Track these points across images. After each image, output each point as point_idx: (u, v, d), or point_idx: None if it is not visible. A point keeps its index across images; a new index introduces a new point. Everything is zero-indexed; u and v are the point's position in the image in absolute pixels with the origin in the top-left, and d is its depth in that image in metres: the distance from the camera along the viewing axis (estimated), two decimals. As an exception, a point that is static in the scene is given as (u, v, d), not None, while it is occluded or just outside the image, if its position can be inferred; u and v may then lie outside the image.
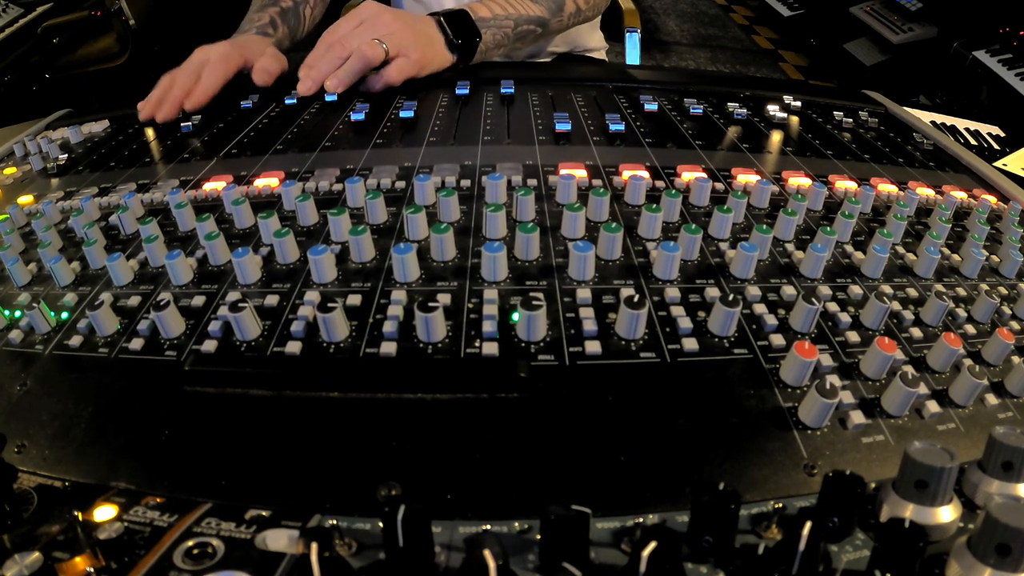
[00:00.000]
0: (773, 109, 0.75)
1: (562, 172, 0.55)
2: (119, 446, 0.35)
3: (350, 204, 0.53)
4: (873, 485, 0.30)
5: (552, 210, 0.52)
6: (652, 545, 0.23)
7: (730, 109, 0.76)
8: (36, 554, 0.25)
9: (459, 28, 0.83)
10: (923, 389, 0.37)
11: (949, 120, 1.12)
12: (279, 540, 0.28)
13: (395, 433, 0.34)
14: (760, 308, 0.42)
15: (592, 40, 1.22)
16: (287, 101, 0.78)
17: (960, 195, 0.60)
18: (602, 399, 0.36)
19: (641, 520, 0.29)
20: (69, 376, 0.39)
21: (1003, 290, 0.48)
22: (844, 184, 0.59)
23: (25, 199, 0.61)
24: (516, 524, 0.29)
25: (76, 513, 0.28)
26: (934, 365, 0.40)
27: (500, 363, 0.38)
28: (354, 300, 0.42)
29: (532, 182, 0.56)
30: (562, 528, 0.25)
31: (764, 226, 0.47)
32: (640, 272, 0.45)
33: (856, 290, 0.45)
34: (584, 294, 0.43)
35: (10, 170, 0.69)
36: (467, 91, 0.77)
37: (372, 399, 0.36)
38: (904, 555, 0.24)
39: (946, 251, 0.51)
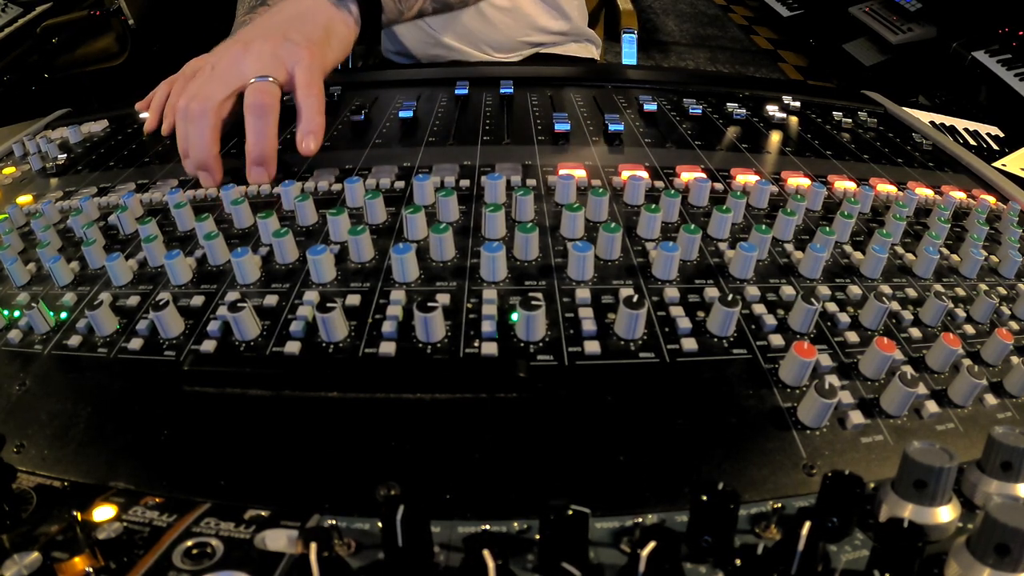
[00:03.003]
0: (772, 109, 0.75)
1: (561, 172, 0.55)
2: (118, 446, 0.35)
3: (349, 204, 0.53)
4: (872, 485, 0.30)
5: (551, 210, 0.52)
6: (651, 545, 0.24)
7: (729, 109, 0.76)
8: (35, 554, 0.25)
9: None
10: (922, 389, 0.37)
11: (948, 120, 1.12)
12: (278, 540, 0.28)
13: (394, 433, 0.34)
14: (759, 308, 0.42)
15: (576, 23, 1.18)
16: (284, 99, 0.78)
17: (959, 195, 0.60)
18: (601, 399, 0.36)
19: (640, 520, 0.29)
20: (68, 376, 0.39)
21: (1002, 290, 0.48)
22: (843, 184, 0.60)
23: (24, 199, 0.61)
24: (515, 524, 0.29)
25: (75, 513, 0.28)
26: (933, 365, 0.40)
27: (499, 363, 0.38)
28: (353, 300, 0.42)
29: (531, 182, 0.56)
30: (561, 528, 0.25)
31: (763, 226, 0.47)
32: (639, 272, 0.45)
33: (855, 290, 0.45)
34: (583, 294, 0.43)
35: (9, 170, 0.69)
36: (466, 91, 0.77)
37: (371, 399, 0.36)
38: (903, 555, 0.24)
39: (945, 251, 0.51)
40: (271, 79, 0.55)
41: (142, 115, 0.77)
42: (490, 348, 0.39)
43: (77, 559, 0.26)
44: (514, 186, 0.54)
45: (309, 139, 0.58)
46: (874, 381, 0.38)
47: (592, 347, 0.39)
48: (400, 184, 0.56)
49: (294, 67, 0.57)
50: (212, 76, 0.57)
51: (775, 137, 0.71)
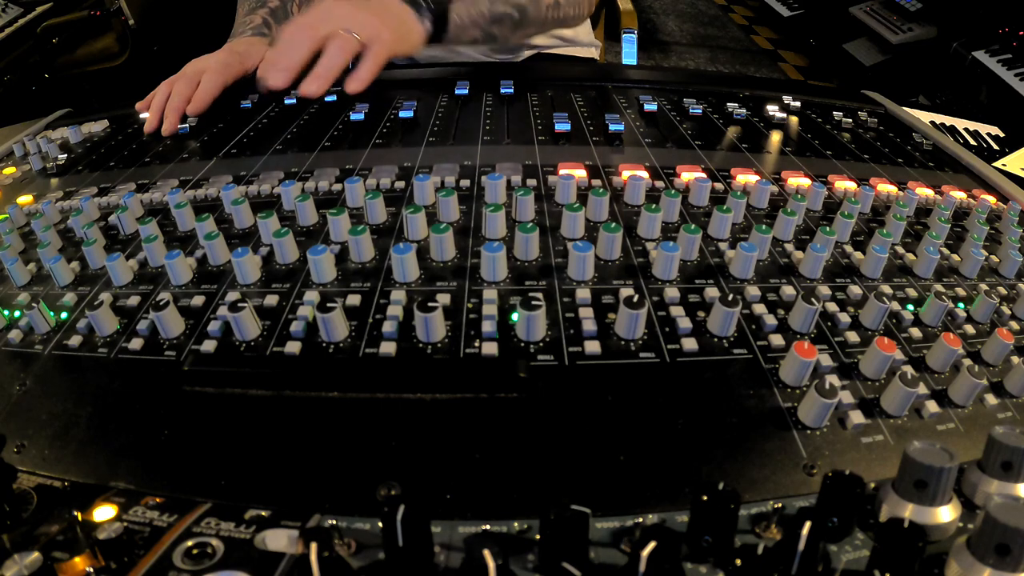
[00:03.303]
0: (772, 109, 0.75)
1: (561, 172, 0.55)
2: (118, 446, 0.35)
3: (350, 204, 0.53)
4: (872, 485, 0.30)
5: (551, 210, 0.52)
6: (651, 545, 0.24)
7: (729, 109, 0.76)
8: (36, 554, 0.25)
9: None
10: (922, 389, 0.37)
11: (948, 120, 1.12)
12: (279, 540, 0.28)
13: (395, 433, 0.34)
14: (759, 308, 0.42)
15: (577, 33, 1.19)
16: (286, 101, 0.78)
17: (959, 195, 0.60)
18: (602, 399, 0.36)
19: (641, 520, 0.29)
20: (68, 376, 0.39)
21: (1002, 290, 0.48)
22: (843, 184, 0.59)
23: (25, 199, 0.61)
24: (516, 524, 0.29)
25: (76, 513, 0.28)
26: (933, 365, 0.40)
27: (500, 363, 0.38)
28: (353, 300, 0.42)
29: (531, 182, 0.56)
30: (562, 528, 0.25)
31: (763, 226, 0.47)
32: (639, 272, 0.45)
33: (855, 290, 0.45)
34: (583, 294, 0.43)
35: (10, 170, 0.69)
36: (467, 91, 0.77)
37: (372, 399, 0.36)
38: (903, 555, 0.24)
39: (945, 251, 0.51)
40: (356, 35, 0.72)
41: (142, 115, 0.77)
42: (490, 348, 0.39)
43: (77, 559, 0.26)
44: (514, 186, 0.54)
45: (354, 83, 0.72)
46: (874, 381, 0.38)
47: (592, 347, 0.39)
48: (400, 184, 0.56)
49: (373, 39, 0.73)
50: (320, 13, 0.73)
51: (775, 137, 0.71)
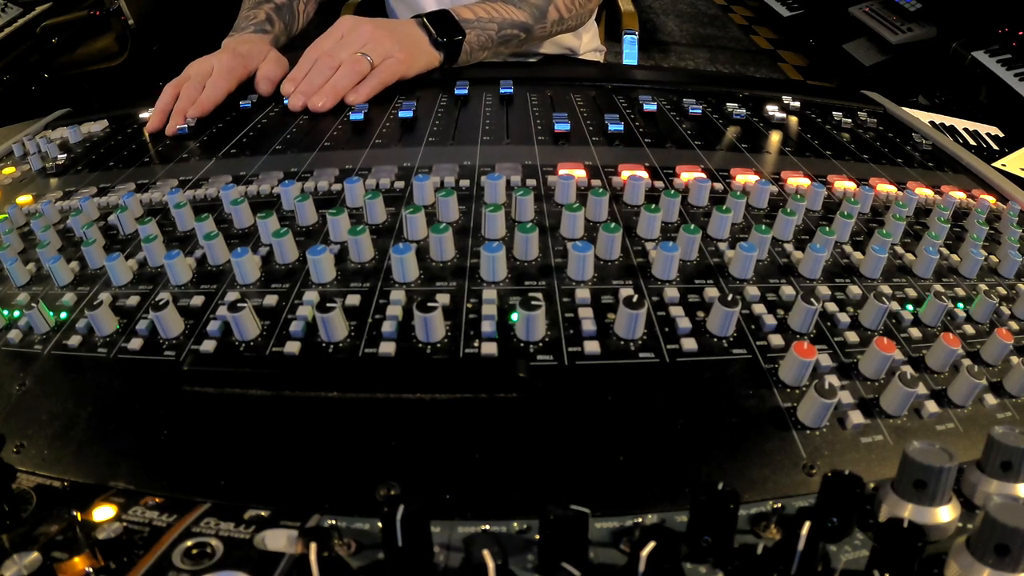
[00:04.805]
0: (772, 109, 0.75)
1: (561, 172, 0.55)
2: (118, 446, 0.35)
3: (349, 204, 0.53)
4: (872, 485, 0.30)
5: (551, 210, 0.52)
6: (651, 545, 0.24)
7: (729, 109, 0.76)
8: (35, 554, 0.25)
9: (442, 26, 0.84)
10: (922, 389, 0.37)
11: (948, 120, 1.12)
12: (278, 540, 0.28)
13: (394, 433, 0.34)
14: (759, 308, 0.42)
15: (583, 43, 1.21)
16: (286, 101, 0.78)
17: (959, 195, 0.60)
18: (601, 399, 0.36)
19: (640, 520, 0.29)
20: (68, 376, 0.39)
21: (1002, 290, 0.48)
22: (843, 184, 0.60)
23: (24, 199, 0.61)
24: (515, 524, 0.29)
25: (75, 513, 0.28)
26: (933, 365, 0.40)
27: (499, 363, 0.38)
28: (353, 300, 0.42)
29: (531, 182, 0.56)
30: (561, 528, 0.25)
31: (763, 226, 0.47)
32: (639, 272, 0.45)
33: (855, 290, 0.45)
34: (583, 294, 0.43)
35: (9, 170, 0.69)
36: (466, 91, 0.77)
37: (371, 399, 0.36)
38: (903, 555, 0.24)
39: (945, 251, 0.51)
40: (369, 57, 0.78)
41: (143, 115, 0.77)
42: (490, 348, 0.39)
43: (77, 559, 0.26)
44: (514, 186, 0.54)
45: (352, 95, 0.77)
46: (874, 381, 0.38)
47: (592, 347, 0.39)
48: (400, 184, 0.56)
49: (387, 59, 0.79)
50: (340, 40, 0.80)
51: (775, 137, 0.71)
